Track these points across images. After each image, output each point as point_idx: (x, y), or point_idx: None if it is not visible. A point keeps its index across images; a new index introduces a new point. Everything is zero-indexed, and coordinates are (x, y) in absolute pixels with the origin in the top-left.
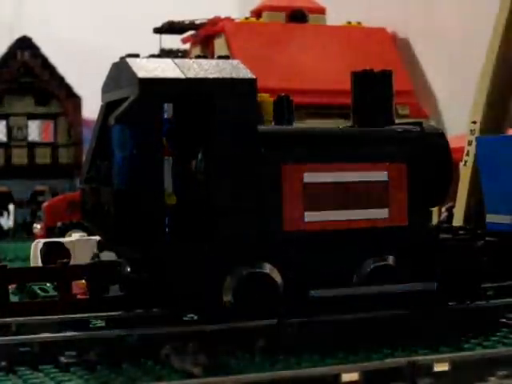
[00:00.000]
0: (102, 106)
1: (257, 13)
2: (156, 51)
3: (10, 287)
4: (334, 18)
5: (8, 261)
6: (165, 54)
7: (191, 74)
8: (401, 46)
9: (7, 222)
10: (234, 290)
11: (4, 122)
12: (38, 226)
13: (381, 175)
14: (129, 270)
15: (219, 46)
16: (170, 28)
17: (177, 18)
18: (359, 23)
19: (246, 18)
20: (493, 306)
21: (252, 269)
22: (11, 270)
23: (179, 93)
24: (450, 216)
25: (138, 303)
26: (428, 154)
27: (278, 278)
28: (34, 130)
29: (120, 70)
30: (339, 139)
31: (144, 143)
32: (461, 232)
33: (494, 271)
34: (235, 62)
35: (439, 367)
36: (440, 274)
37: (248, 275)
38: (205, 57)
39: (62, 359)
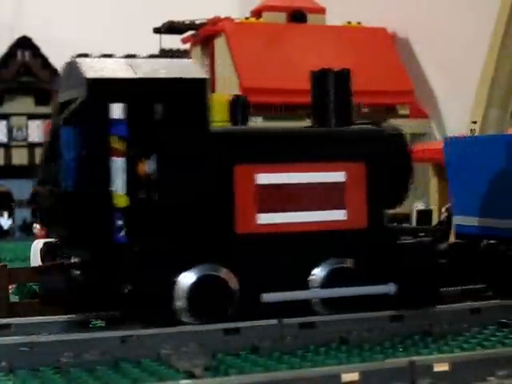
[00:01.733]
0: (55, 105)
1: (257, 13)
2: (156, 51)
3: (9, 287)
4: (333, 18)
5: (8, 261)
6: (165, 54)
7: (141, 74)
8: (401, 46)
9: (7, 222)
10: (186, 293)
11: (4, 122)
12: (37, 226)
13: (338, 176)
14: (78, 272)
15: (219, 45)
16: (170, 28)
17: (177, 18)
18: (359, 23)
19: (246, 18)
20: (492, 305)
21: (204, 271)
22: (11, 270)
23: (128, 93)
24: (450, 216)
25: (86, 306)
26: (387, 154)
27: (231, 280)
28: (34, 130)
29: (71, 70)
30: (294, 139)
31: (92, 144)
32: (421, 234)
33: (456, 274)
34: (188, 61)
35: (439, 367)
36: (399, 276)
37: (200, 278)
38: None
39: (62, 359)
